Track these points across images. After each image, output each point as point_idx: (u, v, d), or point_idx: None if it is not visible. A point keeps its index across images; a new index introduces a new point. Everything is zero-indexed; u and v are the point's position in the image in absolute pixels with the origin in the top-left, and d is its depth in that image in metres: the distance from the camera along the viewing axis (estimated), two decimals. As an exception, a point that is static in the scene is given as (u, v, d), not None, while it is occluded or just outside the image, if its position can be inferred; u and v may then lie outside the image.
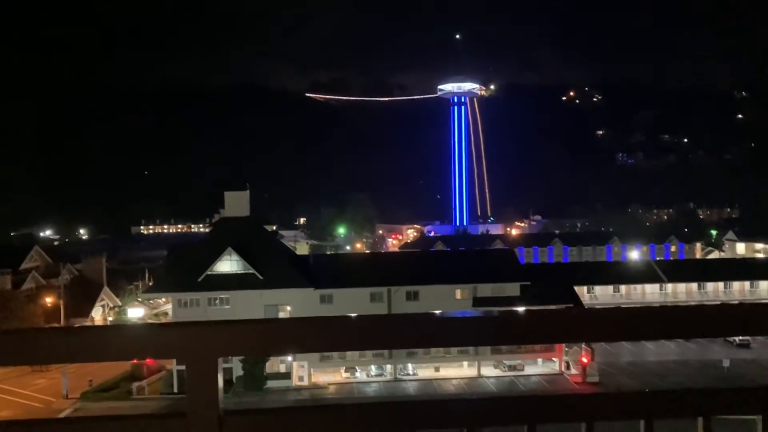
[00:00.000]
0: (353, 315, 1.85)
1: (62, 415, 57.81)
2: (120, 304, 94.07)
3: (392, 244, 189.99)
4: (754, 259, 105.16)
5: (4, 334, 1.76)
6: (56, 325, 74.18)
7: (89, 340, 1.75)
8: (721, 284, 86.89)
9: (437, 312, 1.91)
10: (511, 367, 69.86)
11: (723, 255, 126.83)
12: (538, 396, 1.90)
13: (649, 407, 1.94)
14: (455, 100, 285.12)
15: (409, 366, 70.60)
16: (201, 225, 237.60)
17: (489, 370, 70.25)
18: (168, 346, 1.77)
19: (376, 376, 70.21)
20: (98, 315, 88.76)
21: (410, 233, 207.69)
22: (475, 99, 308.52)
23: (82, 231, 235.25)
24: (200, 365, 1.74)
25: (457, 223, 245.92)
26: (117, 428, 1.76)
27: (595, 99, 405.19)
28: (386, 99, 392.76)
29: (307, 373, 67.76)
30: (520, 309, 1.94)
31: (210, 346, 1.75)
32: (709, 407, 1.98)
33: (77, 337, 1.77)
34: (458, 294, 73.81)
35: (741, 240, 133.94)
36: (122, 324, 1.90)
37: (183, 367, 1.82)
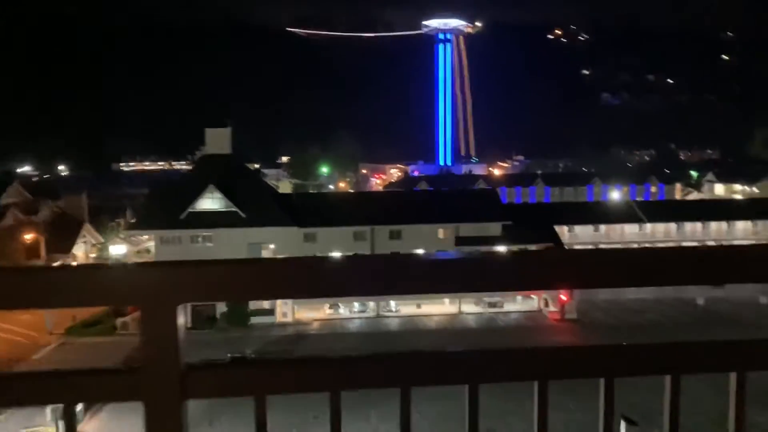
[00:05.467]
0: (332, 256, 1.64)
1: (47, 349, 58.36)
2: (102, 240, 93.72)
3: (376, 183, 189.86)
4: (731, 200, 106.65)
5: None
6: (37, 261, 74.08)
7: (23, 283, 1.54)
8: (699, 224, 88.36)
9: (415, 253, 1.70)
10: (491, 304, 71.16)
11: (702, 196, 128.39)
12: (549, 348, 1.70)
13: (676, 361, 1.74)
14: (441, 37, 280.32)
15: (392, 303, 71.70)
16: (183, 162, 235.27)
17: (469, 307, 71.57)
18: (118, 290, 1.56)
19: (359, 312, 71.35)
20: (80, 252, 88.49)
21: (394, 173, 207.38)
22: (461, 36, 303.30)
23: (61, 167, 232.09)
24: (157, 312, 1.54)
25: (441, 163, 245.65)
26: (63, 385, 1.57)
27: (581, 38, 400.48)
28: (370, 35, 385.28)
29: (290, 310, 68.59)
30: (506, 251, 1.73)
31: (167, 290, 1.54)
32: (747, 361, 1.72)
33: (11, 280, 1.55)
34: (441, 233, 74.44)
35: (720, 181, 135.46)
36: (65, 266, 1.62)
37: None
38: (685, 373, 1.73)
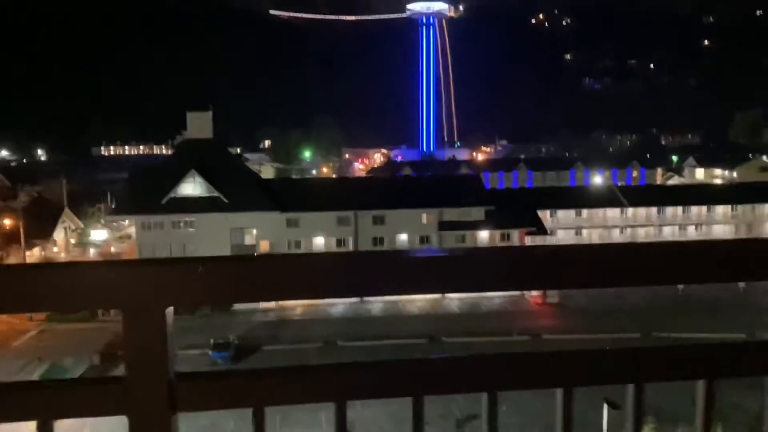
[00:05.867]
0: (341, 252, 1.45)
1: (28, 336, 57.77)
2: (82, 226, 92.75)
3: (359, 168, 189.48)
4: (712, 184, 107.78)
5: None
6: (17, 247, 73.16)
7: None
8: (679, 209, 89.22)
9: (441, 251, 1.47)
10: (475, 289, 71.34)
11: (683, 180, 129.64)
12: (575, 351, 1.51)
13: (711, 363, 1.54)
14: (424, 20, 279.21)
15: (375, 288, 71.64)
16: (163, 146, 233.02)
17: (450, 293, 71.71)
18: (97, 292, 1.35)
19: (343, 297, 71.22)
20: (61, 237, 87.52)
21: (377, 158, 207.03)
22: (444, 20, 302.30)
23: (40, 152, 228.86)
24: (142, 315, 1.35)
25: (424, 148, 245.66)
26: (37, 399, 1.37)
27: (564, 23, 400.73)
28: (353, 18, 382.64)
29: (273, 295, 68.31)
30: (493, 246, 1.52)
31: (154, 292, 1.35)
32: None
33: None
34: (424, 218, 74.49)
35: (701, 166, 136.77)
36: (34, 264, 1.38)
37: None
38: (721, 377, 1.56)
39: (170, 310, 1.37)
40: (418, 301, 69.89)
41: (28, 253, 75.59)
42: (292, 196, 73.14)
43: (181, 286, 1.37)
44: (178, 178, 70.70)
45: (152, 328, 1.36)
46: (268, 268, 1.41)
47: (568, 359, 1.52)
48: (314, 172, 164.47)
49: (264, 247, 72.49)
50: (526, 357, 1.52)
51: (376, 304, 70.21)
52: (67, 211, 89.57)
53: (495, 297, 70.96)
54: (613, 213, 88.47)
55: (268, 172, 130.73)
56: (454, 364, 1.49)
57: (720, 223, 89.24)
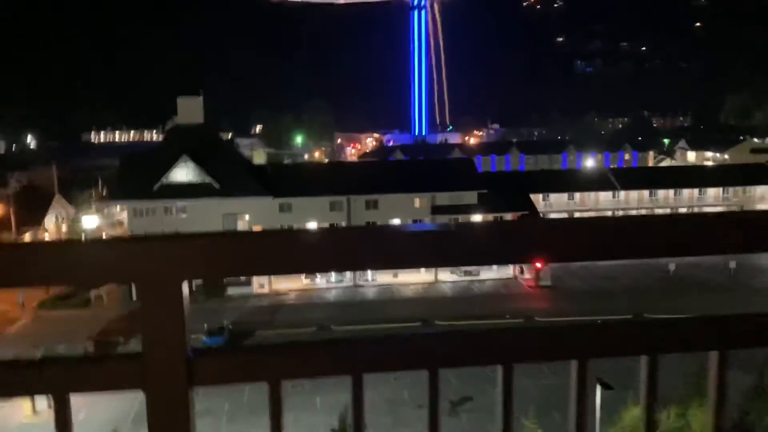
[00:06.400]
0: (345, 227, 1.47)
1: (21, 323, 57.66)
2: (74, 213, 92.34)
3: (351, 153, 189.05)
4: (703, 167, 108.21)
5: None
6: (8, 234, 72.76)
7: (18, 260, 1.36)
8: (671, 191, 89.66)
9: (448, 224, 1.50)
10: (467, 272, 71.65)
11: (674, 163, 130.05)
12: (592, 324, 1.52)
13: (723, 336, 1.56)
14: (415, 3, 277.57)
15: (368, 272, 71.85)
16: (154, 131, 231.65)
17: (445, 275, 72.04)
18: (114, 266, 1.37)
19: (337, 282, 71.43)
20: (52, 224, 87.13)
21: (369, 142, 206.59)
22: (435, 3, 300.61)
23: (29, 138, 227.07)
24: (158, 291, 1.36)
25: (416, 132, 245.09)
26: (58, 373, 1.41)
27: (555, 5, 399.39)
28: (343, 2, 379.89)
29: (267, 281, 68.42)
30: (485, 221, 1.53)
31: (171, 265, 1.37)
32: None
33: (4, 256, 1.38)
34: (417, 203, 74.54)
35: (692, 149, 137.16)
36: (53, 241, 1.43)
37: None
38: (730, 347, 1.57)
39: (185, 284, 1.39)
40: (412, 285, 70.10)
41: (18, 240, 75.28)
42: (285, 181, 72.96)
43: (195, 260, 1.38)
44: (169, 164, 70.35)
45: (169, 302, 1.37)
46: (280, 241, 1.42)
47: (587, 331, 1.53)
48: (306, 156, 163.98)
49: (257, 232, 72.32)
50: (540, 331, 1.53)
51: (370, 288, 70.39)
52: (58, 197, 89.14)
53: (487, 280, 71.24)
54: (605, 196, 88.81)
55: (260, 157, 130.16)
56: (469, 337, 1.50)
57: (712, 206, 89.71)
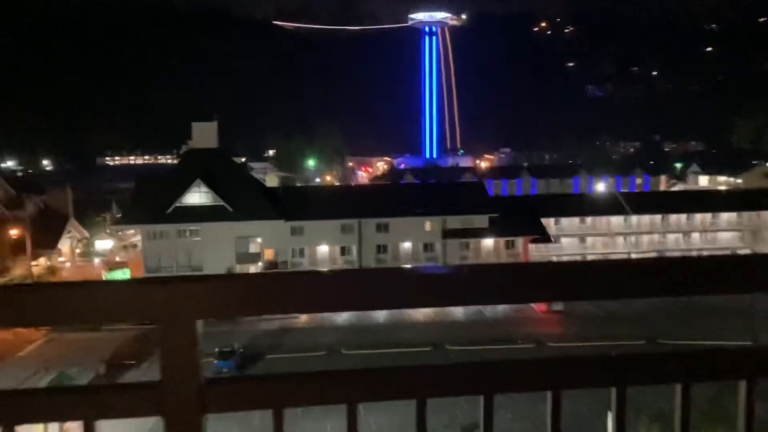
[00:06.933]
0: (356, 269, 1.68)
1: (33, 346, 57.99)
2: (88, 236, 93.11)
3: (362, 176, 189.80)
4: (716, 191, 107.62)
5: None
6: (23, 257, 73.49)
7: (37, 300, 1.52)
8: (683, 216, 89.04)
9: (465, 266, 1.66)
10: (479, 297, 71.30)
11: (687, 187, 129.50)
12: (558, 359, 1.68)
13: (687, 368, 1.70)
14: (427, 29, 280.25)
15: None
16: (168, 156, 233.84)
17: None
18: (134, 306, 1.54)
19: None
20: (66, 247, 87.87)
21: (380, 166, 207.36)
22: (446, 29, 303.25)
23: (45, 162, 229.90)
24: (175, 327, 1.54)
25: (427, 156, 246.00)
26: (82, 401, 1.58)
27: (566, 30, 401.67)
28: (356, 28, 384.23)
29: (278, 304, 68.41)
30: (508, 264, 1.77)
31: (187, 306, 1.54)
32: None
33: (18, 296, 1.54)
34: (428, 226, 74.61)
35: (704, 173, 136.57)
36: (79, 282, 1.58)
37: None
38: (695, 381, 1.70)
39: (200, 322, 1.56)
40: (422, 309, 69.81)
41: (33, 263, 75.92)
42: (297, 204, 73.40)
43: (209, 301, 1.55)
44: (183, 188, 71.04)
45: (184, 338, 1.54)
46: (289, 283, 1.57)
47: (555, 365, 1.69)
48: (318, 180, 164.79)
49: (269, 255, 72.69)
50: (518, 363, 1.66)
51: (381, 312, 70.20)
52: (72, 220, 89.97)
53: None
54: (617, 220, 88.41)
55: (272, 180, 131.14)
56: (455, 369, 1.65)
57: (725, 230, 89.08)
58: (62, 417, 1.57)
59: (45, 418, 1.58)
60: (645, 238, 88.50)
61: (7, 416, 1.55)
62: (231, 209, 70.85)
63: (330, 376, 1.63)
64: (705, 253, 79.03)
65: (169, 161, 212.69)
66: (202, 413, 1.58)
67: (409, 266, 2.16)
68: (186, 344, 1.55)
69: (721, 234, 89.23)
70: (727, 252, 77.53)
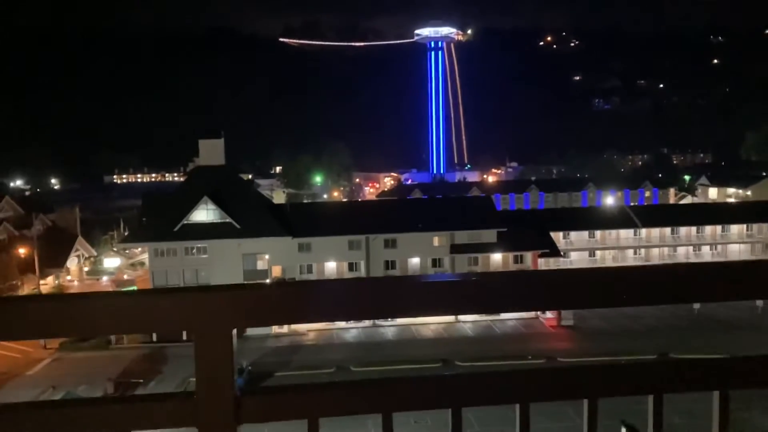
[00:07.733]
0: (392, 276, 1.63)
1: (42, 365, 57.81)
2: (95, 254, 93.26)
3: (369, 192, 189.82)
4: (725, 203, 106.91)
5: None
6: (31, 276, 73.51)
7: (73, 309, 1.50)
8: (693, 228, 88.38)
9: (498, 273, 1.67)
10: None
11: (696, 200, 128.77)
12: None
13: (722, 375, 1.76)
14: (432, 45, 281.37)
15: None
16: (175, 174, 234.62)
17: (466, 315, 71.22)
18: (169, 316, 1.53)
19: (355, 322, 70.94)
20: (74, 265, 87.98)
21: (387, 181, 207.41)
22: (452, 44, 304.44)
23: (53, 180, 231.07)
24: (210, 338, 1.52)
25: (434, 171, 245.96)
26: (119, 412, 1.56)
27: (572, 44, 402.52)
28: (362, 44, 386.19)
29: (286, 321, 68.08)
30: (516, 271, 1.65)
31: (222, 315, 1.52)
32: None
33: (60, 306, 1.51)
34: (436, 241, 74.28)
35: (713, 185, 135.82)
36: (112, 292, 1.58)
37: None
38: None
39: (234, 331, 1.55)
40: (432, 324, 69.39)
41: (42, 281, 75.96)
42: (304, 220, 73.26)
43: (246, 309, 1.54)
44: (190, 205, 71.05)
45: (220, 348, 1.52)
46: (316, 292, 1.57)
47: (591, 373, 1.70)
48: (325, 196, 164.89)
49: (276, 272, 72.49)
50: (554, 372, 1.68)
51: (389, 328, 69.76)
52: (80, 239, 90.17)
53: (509, 319, 70.36)
54: (626, 234, 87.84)
55: (279, 197, 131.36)
56: (491, 378, 1.65)
57: (735, 243, 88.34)
58: (101, 427, 1.56)
59: (82, 428, 1.55)
60: (655, 251, 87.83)
61: (49, 427, 1.54)
62: (238, 226, 70.76)
63: (365, 385, 1.63)
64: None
65: (177, 179, 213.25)
66: (236, 424, 1.56)
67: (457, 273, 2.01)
68: (222, 353, 1.52)
69: (732, 246, 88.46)
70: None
